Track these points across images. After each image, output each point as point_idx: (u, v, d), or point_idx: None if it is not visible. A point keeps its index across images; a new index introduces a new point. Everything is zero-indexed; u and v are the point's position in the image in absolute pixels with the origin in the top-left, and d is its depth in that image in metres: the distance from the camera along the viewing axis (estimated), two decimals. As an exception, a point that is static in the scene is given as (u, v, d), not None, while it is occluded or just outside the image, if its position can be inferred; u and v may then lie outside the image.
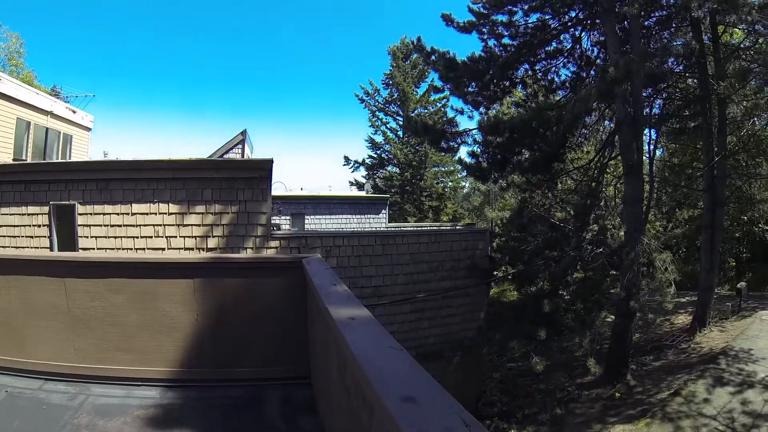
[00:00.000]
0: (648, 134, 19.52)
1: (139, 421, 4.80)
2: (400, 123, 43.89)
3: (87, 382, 5.64)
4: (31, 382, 5.81)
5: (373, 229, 23.62)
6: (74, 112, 17.91)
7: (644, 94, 16.52)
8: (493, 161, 16.45)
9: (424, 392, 1.74)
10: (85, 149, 19.09)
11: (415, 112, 42.17)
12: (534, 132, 15.57)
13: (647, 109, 18.06)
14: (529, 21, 17.06)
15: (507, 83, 17.82)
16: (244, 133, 19.56)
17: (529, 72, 18.13)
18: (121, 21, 71.00)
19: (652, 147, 20.06)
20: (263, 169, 11.32)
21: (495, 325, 17.76)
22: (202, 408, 5.04)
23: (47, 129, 15.99)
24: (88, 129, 19.25)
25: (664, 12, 16.71)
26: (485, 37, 17.39)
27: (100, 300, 5.58)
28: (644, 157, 18.41)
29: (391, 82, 43.82)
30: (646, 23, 16.73)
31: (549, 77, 18.41)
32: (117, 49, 72.42)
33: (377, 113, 45.22)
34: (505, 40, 17.41)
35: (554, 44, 17.60)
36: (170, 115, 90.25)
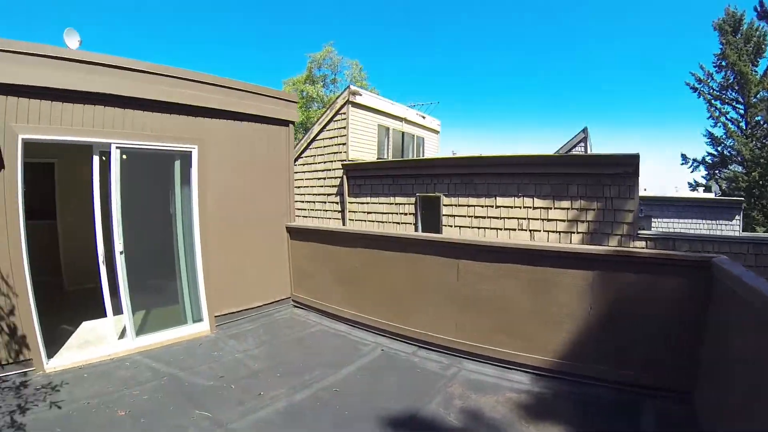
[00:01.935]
0: None
1: (511, 403, 4.91)
2: (741, 112, 35.80)
3: (461, 356, 6.03)
4: (405, 347, 6.56)
5: (745, 234, 20.13)
6: (423, 117, 19.14)
7: None
8: None
9: None
10: (435, 150, 20.40)
11: (758, 96, 33.78)
12: None
13: None
14: None
15: None
16: (585, 130, 18.42)
17: None
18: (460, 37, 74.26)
19: None
20: (630, 164, 10.36)
21: None
22: (573, 404, 4.94)
23: (403, 133, 17.49)
24: (437, 132, 20.54)
25: None
26: None
27: (491, 283, 5.77)
28: None
29: (724, 63, 35.83)
30: None
31: None
32: (452, 60, 77.50)
33: (713, 102, 37.32)
34: None
35: None
36: (497, 117, 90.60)
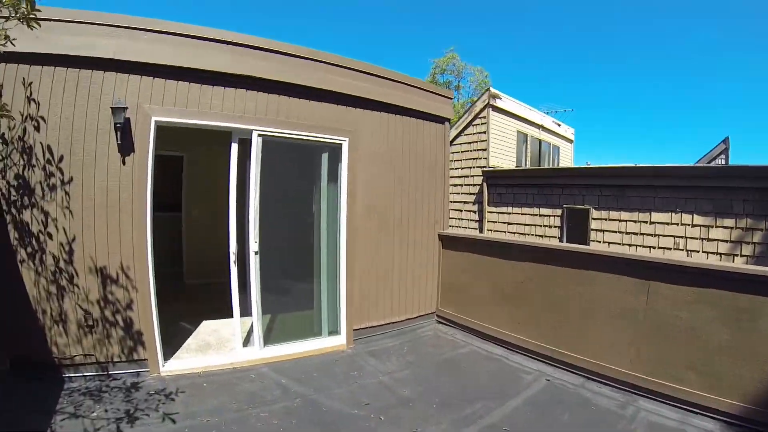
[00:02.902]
0: None
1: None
2: None
3: (636, 393, 4.83)
4: (572, 377, 5.28)
5: None
6: (559, 125, 16.85)
7: None
8: None
9: None
10: (569, 160, 17.96)
11: None
12: None
13: None
14: None
15: None
16: (726, 141, 15.96)
17: None
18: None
19: None
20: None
21: None
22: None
23: (540, 141, 15.30)
24: (571, 141, 18.19)
25: None
26: None
27: (687, 310, 4.51)
28: None
29: None
30: None
31: None
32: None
33: None
34: None
35: None
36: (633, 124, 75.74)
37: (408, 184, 6.84)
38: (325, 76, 5.78)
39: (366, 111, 6.25)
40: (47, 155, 4.41)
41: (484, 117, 12.65)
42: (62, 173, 4.46)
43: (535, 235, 10.97)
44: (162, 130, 4.91)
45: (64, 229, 4.49)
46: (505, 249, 6.40)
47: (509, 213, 11.57)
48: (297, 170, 6.06)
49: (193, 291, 8.65)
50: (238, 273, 5.38)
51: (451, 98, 7.68)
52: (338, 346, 6.07)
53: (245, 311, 5.51)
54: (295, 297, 6.24)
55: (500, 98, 13.04)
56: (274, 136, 5.41)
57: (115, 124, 4.50)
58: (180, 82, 4.89)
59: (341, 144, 5.96)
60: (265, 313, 5.61)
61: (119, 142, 4.57)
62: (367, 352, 5.99)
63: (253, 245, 5.31)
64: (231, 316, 5.52)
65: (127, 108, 4.55)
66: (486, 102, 12.67)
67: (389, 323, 6.72)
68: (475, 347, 6.31)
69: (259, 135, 5.27)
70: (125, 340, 4.79)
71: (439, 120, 7.26)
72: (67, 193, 4.48)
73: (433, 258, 7.27)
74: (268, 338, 5.63)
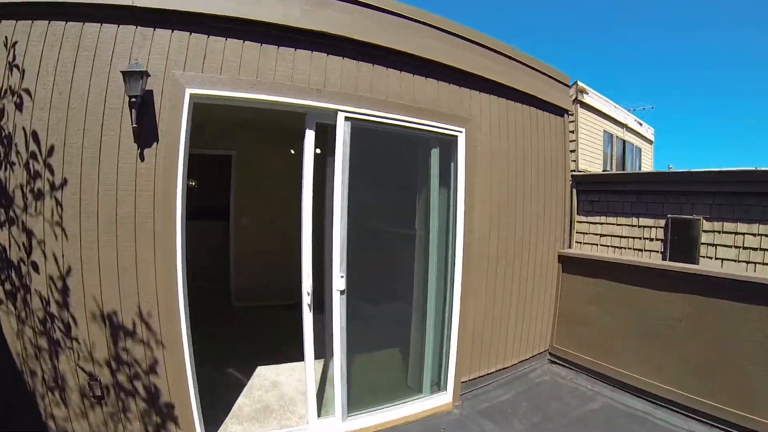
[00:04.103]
0: None
1: None
2: None
3: None
4: None
5: None
6: (641, 124, 14.43)
7: None
8: None
9: None
10: (650, 163, 15.44)
11: None
12: None
13: None
14: None
15: None
16: None
17: None
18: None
19: None
20: None
21: None
22: None
23: (624, 142, 13.00)
24: (651, 142, 15.65)
25: None
26: None
27: None
28: None
29: None
30: None
31: None
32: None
33: None
34: None
35: None
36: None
37: (530, 192, 4.78)
38: (432, 42, 3.77)
39: (483, 94, 4.20)
40: (32, 146, 2.66)
41: (572, 114, 10.50)
42: (52, 173, 2.69)
43: (633, 249, 8.76)
44: (205, 119, 3.09)
45: (54, 257, 2.73)
46: (650, 276, 4.58)
47: (602, 223, 9.38)
48: (396, 171, 4.09)
49: (243, 317, 6.50)
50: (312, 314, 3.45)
51: (569, 85, 5.61)
52: (443, 405, 4.09)
53: (319, 353, 3.64)
54: (386, 341, 4.29)
55: (587, 93, 10.78)
56: (367, 120, 3.45)
57: (130, 98, 2.66)
58: (229, 39, 2.99)
59: (456, 136, 3.94)
60: (347, 355, 3.68)
61: (135, 125, 2.71)
62: (478, 411, 4.06)
63: (338, 281, 3.36)
64: (294, 357, 4.04)
65: (147, 75, 2.69)
66: (574, 97, 10.36)
67: (500, 369, 4.76)
68: (608, 398, 4.44)
69: (346, 118, 3.31)
70: (149, 414, 3.01)
71: (558, 111, 5.19)
72: (59, 203, 2.71)
73: (551, 283, 5.20)
74: (350, 400, 3.68)
